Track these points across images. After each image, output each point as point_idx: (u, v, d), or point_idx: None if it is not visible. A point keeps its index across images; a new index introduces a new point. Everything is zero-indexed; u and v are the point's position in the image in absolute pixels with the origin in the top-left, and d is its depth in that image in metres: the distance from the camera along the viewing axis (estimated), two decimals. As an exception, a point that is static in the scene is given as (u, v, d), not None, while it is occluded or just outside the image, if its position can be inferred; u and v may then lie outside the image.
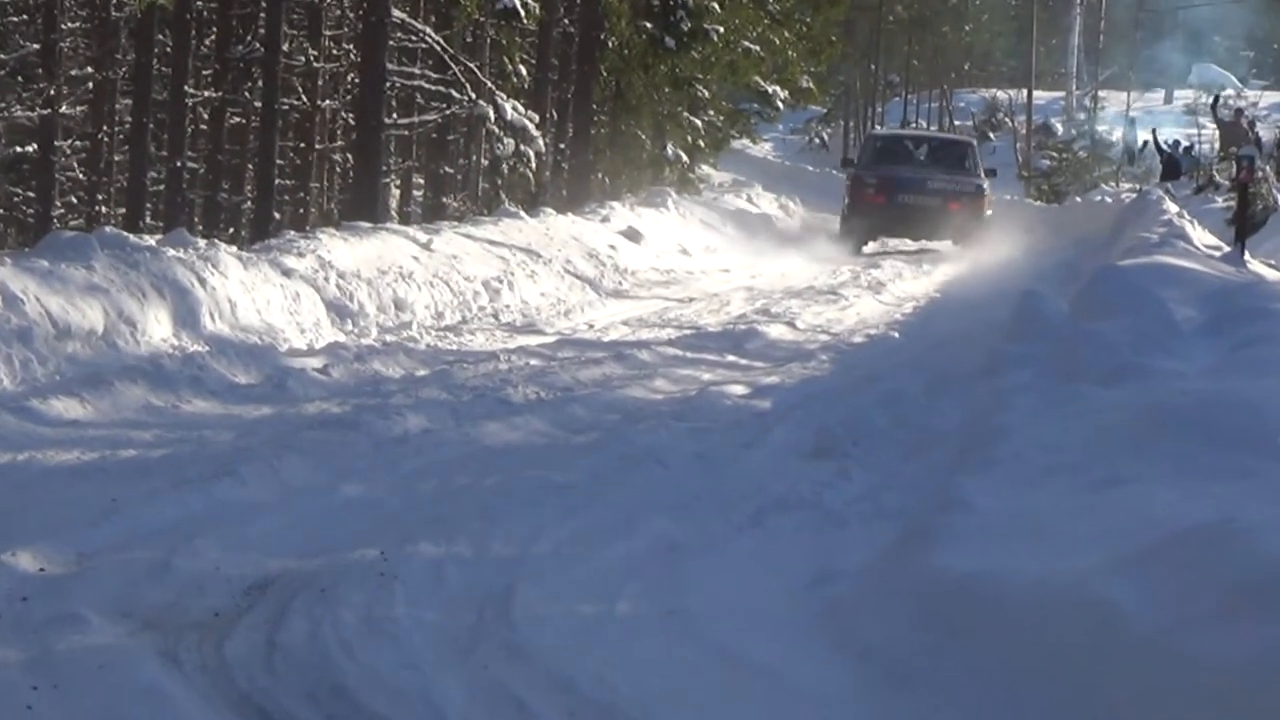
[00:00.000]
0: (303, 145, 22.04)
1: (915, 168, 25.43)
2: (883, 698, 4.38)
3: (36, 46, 19.17)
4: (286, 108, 21.11)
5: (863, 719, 4.28)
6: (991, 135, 53.57)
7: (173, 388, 8.58)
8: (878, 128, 48.70)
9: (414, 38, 19.95)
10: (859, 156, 27.31)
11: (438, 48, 19.24)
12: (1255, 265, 12.52)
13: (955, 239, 24.18)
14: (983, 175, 25.31)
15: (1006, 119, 55.92)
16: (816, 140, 57.95)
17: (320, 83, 21.71)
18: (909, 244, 25.45)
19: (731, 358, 11.16)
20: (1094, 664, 4.04)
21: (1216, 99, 30.70)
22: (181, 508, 6.10)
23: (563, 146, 26.23)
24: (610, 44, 25.74)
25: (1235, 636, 3.74)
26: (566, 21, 26.30)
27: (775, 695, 4.44)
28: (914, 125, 56.31)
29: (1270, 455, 5.36)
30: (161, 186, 19.89)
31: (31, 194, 20.17)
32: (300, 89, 21.56)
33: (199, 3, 20.26)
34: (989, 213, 24.80)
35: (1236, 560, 4.03)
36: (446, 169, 25.19)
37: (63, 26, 19.34)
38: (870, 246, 24.68)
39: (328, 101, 22.44)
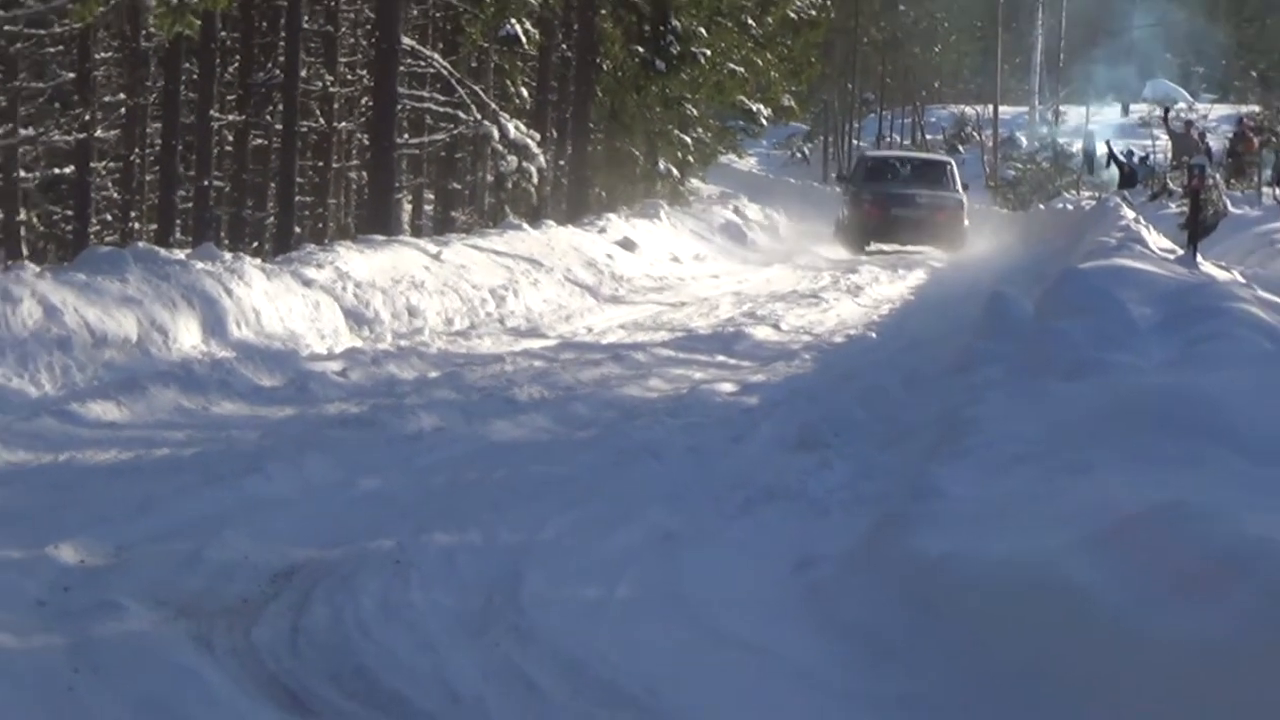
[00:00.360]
0: (321, 164, 22.04)
1: (904, 184, 26.97)
2: (864, 672, 4.39)
3: (72, 75, 19.16)
4: (305, 129, 21.11)
5: (846, 693, 4.28)
6: (960, 148, 53.63)
7: (202, 391, 8.57)
8: (861, 145, 49.32)
9: (423, 63, 19.94)
10: (852, 174, 29.13)
11: (445, 72, 19.24)
12: (1207, 267, 12.51)
13: (939, 245, 25.52)
14: (961, 190, 27.02)
15: (974, 133, 56.04)
16: (798, 154, 58.06)
17: (336, 106, 21.71)
18: (884, 250, 25.86)
19: (721, 358, 11.14)
20: (1059, 638, 4.04)
21: (1166, 111, 30.79)
22: (212, 502, 6.10)
23: (562, 163, 26.22)
24: (605, 67, 25.73)
25: (1189, 613, 3.75)
26: (564, 47, 26.30)
27: (765, 672, 4.44)
28: (888, 139, 56.43)
29: (1221, 444, 5.37)
30: (190, 204, 19.87)
31: (69, 212, 20.15)
32: (318, 112, 21.57)
33: (223, 33, 20.24)
34: (967, 223, 26.36)
35: (1190, 542, 4.04)
36: (455, 185, 25.19)
37: (96, 56, 19.34)
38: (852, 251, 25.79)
39: (343, 123, 22.43)
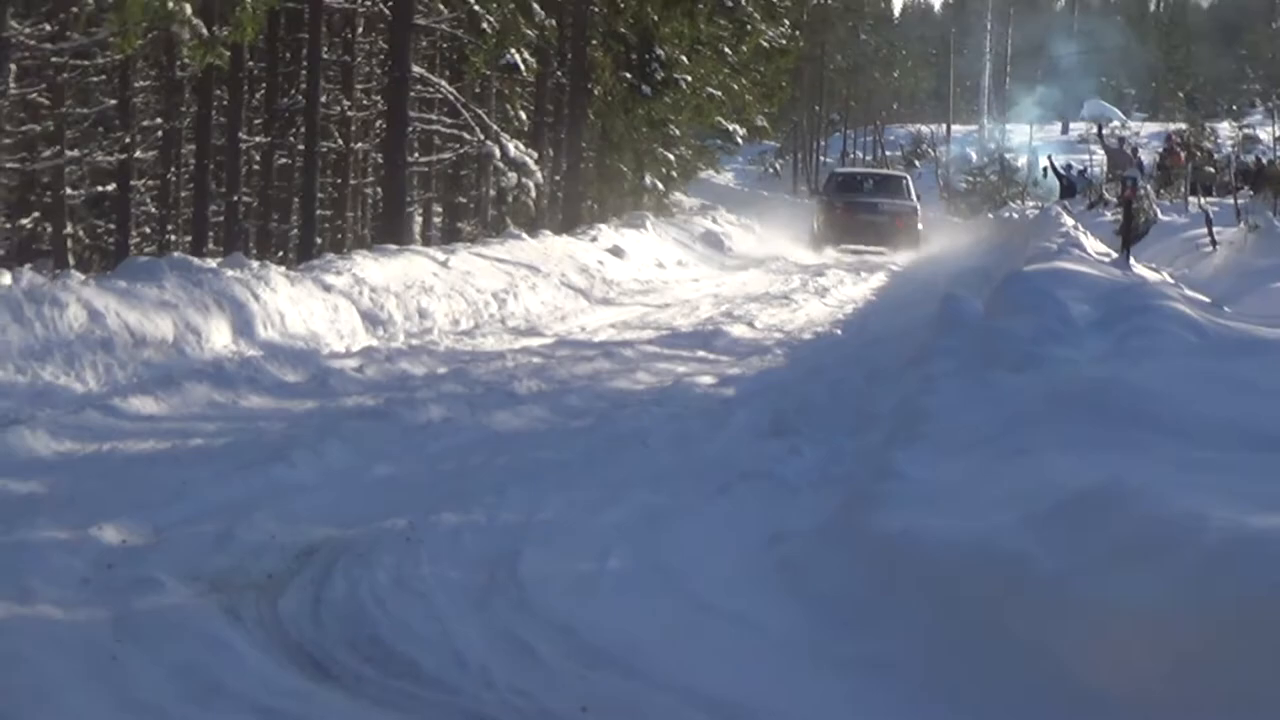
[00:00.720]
0: (339, 181, 22.01)
1: (867, 195, 28.80)
2: (831, 636, 4.39)
3: (114, 102, 19.12)
4: (325, 150, 21.02)
5: (815, 655, 4.28)
6: (917, 163, 53.70)
7: (232, 386, 8.55)
8: (827, 161, 50.17)
9: (431, 89, 19.89)
10: (824, 187, 31.46)
11: (451, 97, 19.19)
12: (1139, 269, 12.53)
13: (897, 247, 26.79)
14: (916, 200, 28.82)
15: (929, 149, 56.12)
16: (771, 170, 58.08)
17: (353, 128, 21.65)
18: (851, 251, 26.26)
19: (701, 353, 11.13)
20: (1007, 604, 4.05)
21: (1100, 128, 31.04)
22: (241, 487, 6.08)
23: (558, 178, 26.17)
24: (596, 92, 25.69)
25: (1123, 581, 3.76)
26: (559, 74, 26.23)
27: (741, 636, 4.43)
28: (851, 156, 56.58)
29: (1151, 429, 5.37)
30: (221, 218, 19.80)
31: (112, 226, 20.11)
32: (337, 134, 21.52)
33: (250, 63, 20.18)
34: (922, 228, 28.00)
35: (1122, 518, 4.04)
36: (460, 199, 25.14)
37: (135, 84, 19.29)
38: (829, 253, 26.67)
39: (360, 144, 22.38)
